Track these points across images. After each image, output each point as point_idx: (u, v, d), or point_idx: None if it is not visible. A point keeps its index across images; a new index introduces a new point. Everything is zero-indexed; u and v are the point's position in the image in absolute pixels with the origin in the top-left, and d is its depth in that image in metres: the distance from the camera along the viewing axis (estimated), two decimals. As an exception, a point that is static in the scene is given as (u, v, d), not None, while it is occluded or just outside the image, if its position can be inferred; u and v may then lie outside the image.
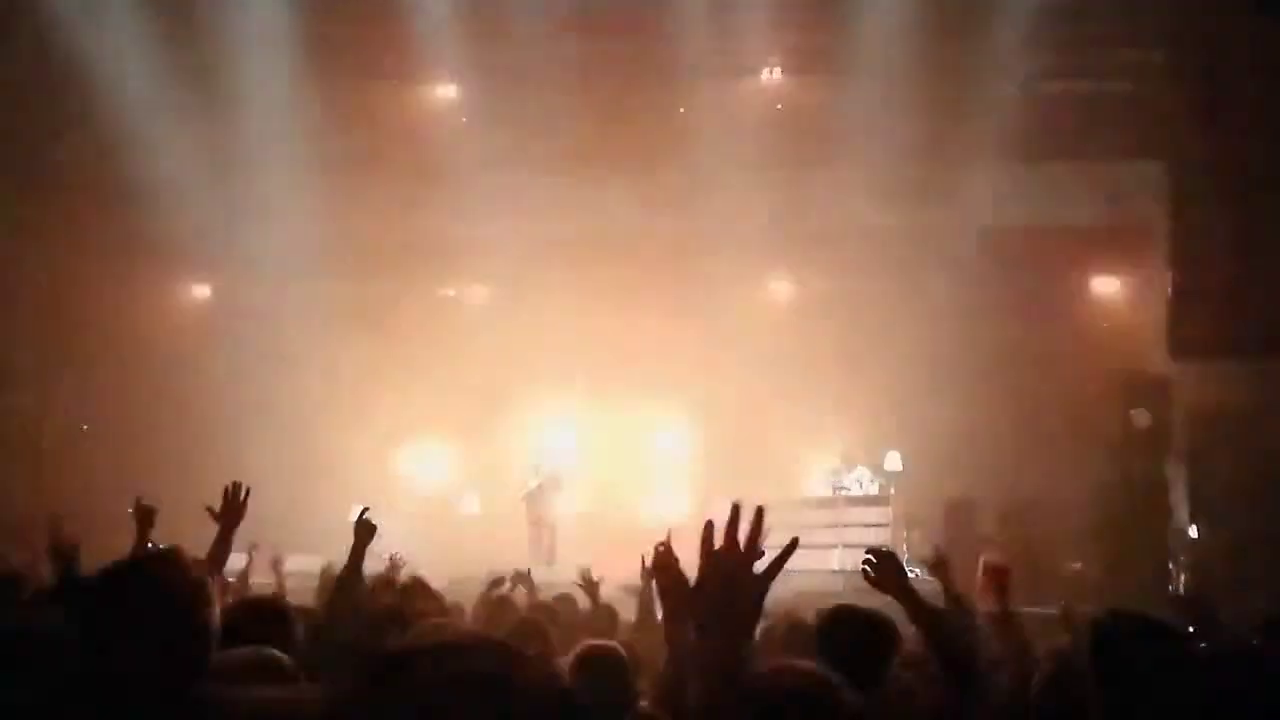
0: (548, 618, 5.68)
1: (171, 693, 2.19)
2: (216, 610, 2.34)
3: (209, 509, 4.94)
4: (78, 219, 15.52)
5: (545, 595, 7.74)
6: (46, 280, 15.60)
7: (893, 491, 14.70)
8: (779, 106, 16.01)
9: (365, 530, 4.86)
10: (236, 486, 4.92)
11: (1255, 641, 4.92)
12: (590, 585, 7.08)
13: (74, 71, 14.65)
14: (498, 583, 8.00)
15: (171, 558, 2.41)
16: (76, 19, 14.65)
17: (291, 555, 10.29)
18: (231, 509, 4.91)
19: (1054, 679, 3.59)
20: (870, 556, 3.53)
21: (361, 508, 4.93)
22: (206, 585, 2.35)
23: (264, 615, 3.58)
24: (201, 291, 17.74)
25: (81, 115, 14.87)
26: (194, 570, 2.37)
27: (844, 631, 3.66)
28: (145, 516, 5.01)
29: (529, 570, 8.71)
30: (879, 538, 14.28)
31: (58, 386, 15.61)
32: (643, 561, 6.68)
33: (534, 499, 15.14)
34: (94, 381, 15.79)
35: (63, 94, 14.72)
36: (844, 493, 14.98)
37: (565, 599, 7.28)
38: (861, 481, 15.03)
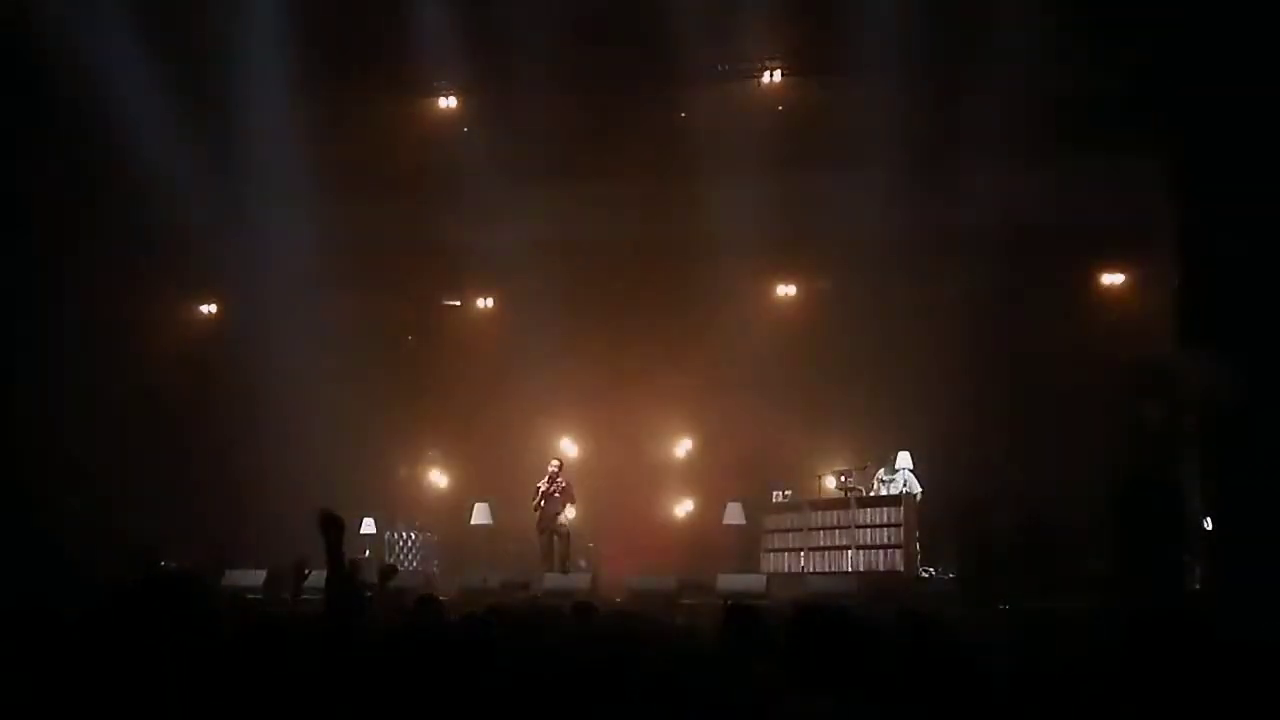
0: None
1: None
2: None
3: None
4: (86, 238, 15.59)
5: (562, 603, 7.70)
6: (51, 295, 15.64)
7: (904, 491, 14.63)
8: (780, 108, 15.98)
9: (331, 527, 4.50)
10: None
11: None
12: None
13: (77, 87, 14.72)
14: (510, 587, 7.97)
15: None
16: (82, 37, 14.74)
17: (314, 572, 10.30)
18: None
19: None
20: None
21: (321, 511, 4.51)
22: None
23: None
24: (209, 307, 17.75)
25: (85, 133, 14.92)
26: None
27: (808, 627, 3.55)
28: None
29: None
30: (892, 538, 14.26)
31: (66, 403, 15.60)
32: None
33: (545, 507, 15.14)
34: (102, 399, 15.79)
35: (66, 111, 14.78)
36: (857, 491, 14.94)
37: (583, 607, 7.19)
38: (893, 482, 14.92)
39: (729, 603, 6.96)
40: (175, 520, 15.12)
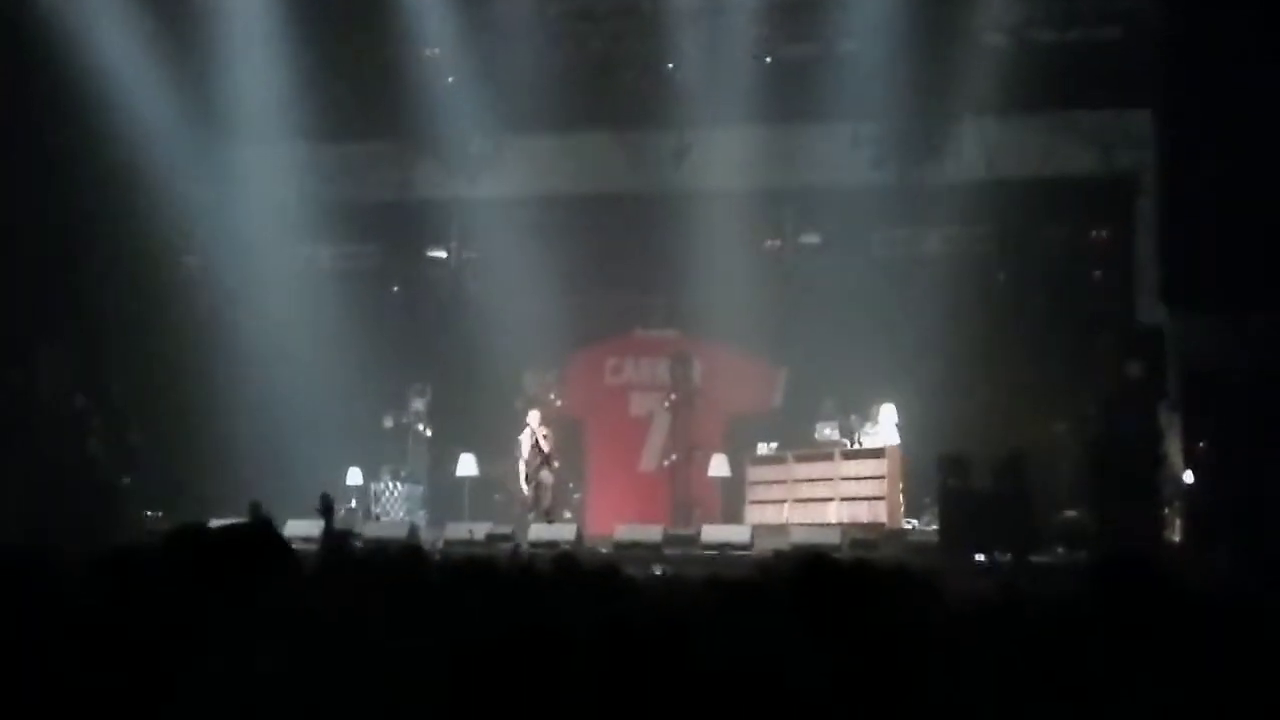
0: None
1: None
2: None
3: None
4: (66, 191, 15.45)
5: (545, 553, 7.77)
6: (35, 254, 15.51)
7: (888, 445, 14.71)
8: (768, 60, 15.88)
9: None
10: None
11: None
12: None
13: (56, 41, 14.54)
14: (495, 538, 8.04)
15: None
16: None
17: (290, 521, 10.37)
18: None
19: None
20: None
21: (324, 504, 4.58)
22: None
23: None
24: (190, 261, 17.63)
25: (65, 86, 14.75)
26: None
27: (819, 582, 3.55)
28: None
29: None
30: (875, 490, 14.37)
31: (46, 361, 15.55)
32: None
33: (530, 458, 15.20)
34: (84, 356, 15.74)
35: (45, 66, 14.61)
36: (844, 444, 15.03)
37: (565, 558, 7.27)
38: (868, 432, 14.97)
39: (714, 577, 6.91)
40: (159, 472, 15.11)
